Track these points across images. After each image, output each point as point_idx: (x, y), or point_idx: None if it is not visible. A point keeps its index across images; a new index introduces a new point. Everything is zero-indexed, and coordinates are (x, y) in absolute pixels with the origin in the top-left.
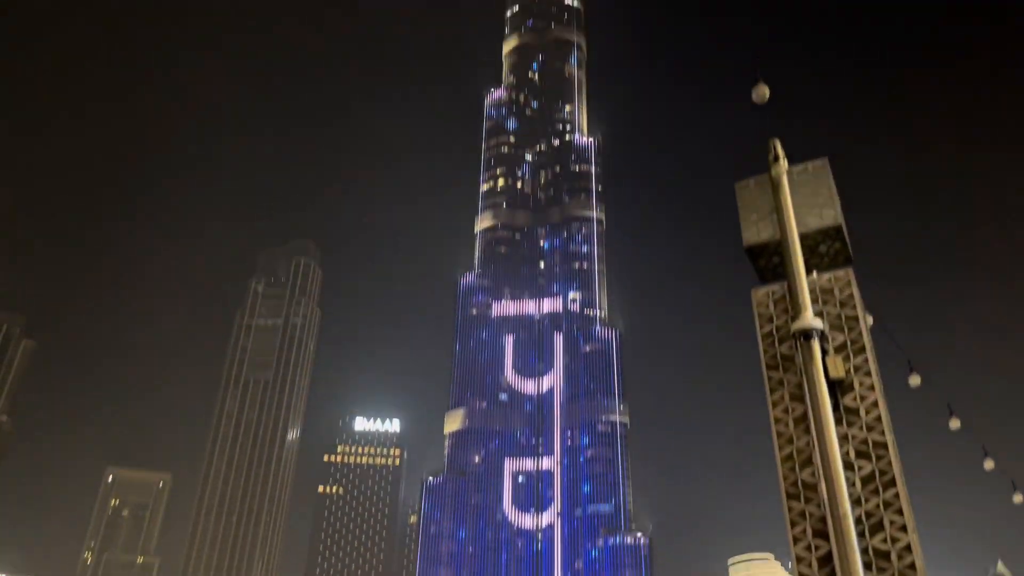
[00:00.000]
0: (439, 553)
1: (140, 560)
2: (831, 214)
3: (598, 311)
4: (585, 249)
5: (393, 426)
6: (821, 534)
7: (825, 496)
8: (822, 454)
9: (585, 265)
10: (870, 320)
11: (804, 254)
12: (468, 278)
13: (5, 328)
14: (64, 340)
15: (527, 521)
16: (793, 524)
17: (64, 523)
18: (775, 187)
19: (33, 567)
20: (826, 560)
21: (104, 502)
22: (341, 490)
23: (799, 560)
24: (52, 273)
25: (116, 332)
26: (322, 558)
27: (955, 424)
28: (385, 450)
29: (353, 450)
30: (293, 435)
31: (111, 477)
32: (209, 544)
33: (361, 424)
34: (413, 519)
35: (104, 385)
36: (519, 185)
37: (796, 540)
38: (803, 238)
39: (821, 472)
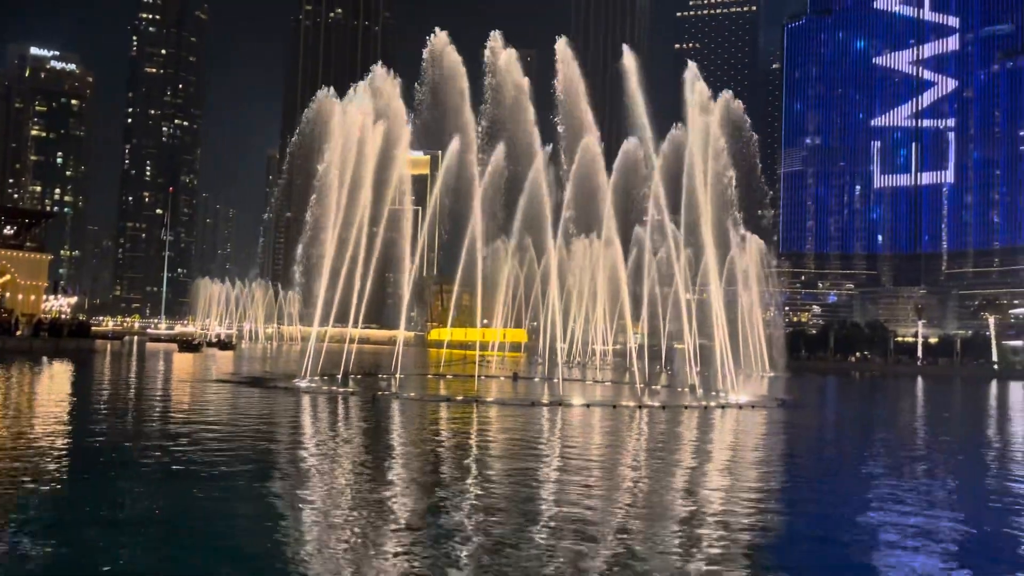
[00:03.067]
0: (806, 97)
1: None
2: None
3: None
4: None
5: None
6: None
7: None
8: None
9: None
10: None
11: None
12: None
13: None
14: None
15: (902, 57)
16: None
17: None
18: None
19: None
20: None
21: None
22: (698, 45)
23: None
24: None
25: None
26: None
27: None
28: None
29: (705, 2)
30: None
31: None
32: None
33: None
34: (776, 66)
35: None
36: None
37: None
38: None
39: None
